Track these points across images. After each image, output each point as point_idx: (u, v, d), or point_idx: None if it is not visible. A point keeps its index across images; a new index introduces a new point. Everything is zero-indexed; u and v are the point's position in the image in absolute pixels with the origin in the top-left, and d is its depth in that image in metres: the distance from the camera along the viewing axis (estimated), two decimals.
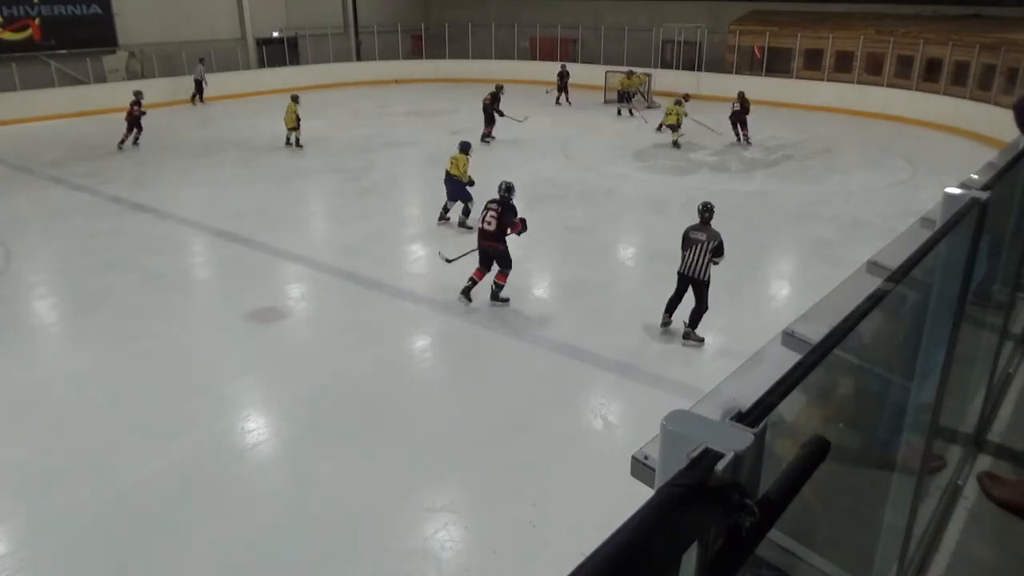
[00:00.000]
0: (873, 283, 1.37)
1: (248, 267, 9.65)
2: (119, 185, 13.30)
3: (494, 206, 8.20)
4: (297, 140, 16.42)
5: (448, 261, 8.87)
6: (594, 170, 14.68)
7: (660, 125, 17.70)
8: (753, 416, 0.84)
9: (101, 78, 21.59)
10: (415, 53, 28.46)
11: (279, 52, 25.70)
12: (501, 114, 16.67)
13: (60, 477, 5.38)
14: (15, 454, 5.66)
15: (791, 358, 1.09)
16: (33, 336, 7.90)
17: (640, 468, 0.90)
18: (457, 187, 10.85)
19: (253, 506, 5.13)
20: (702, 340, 7.44)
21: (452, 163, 10.84)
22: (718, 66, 23.36)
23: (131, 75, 22.20)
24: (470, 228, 10.51)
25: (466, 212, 10.96)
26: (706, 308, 7.34)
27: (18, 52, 20.33)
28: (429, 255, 10.28)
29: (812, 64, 21.74)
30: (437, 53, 27.70)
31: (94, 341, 7.65)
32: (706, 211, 7.43)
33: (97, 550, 4.71)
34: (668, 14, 24.21)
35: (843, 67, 21.28)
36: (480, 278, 8.35)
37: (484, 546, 4.78)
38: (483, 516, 5.04)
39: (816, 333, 1.14)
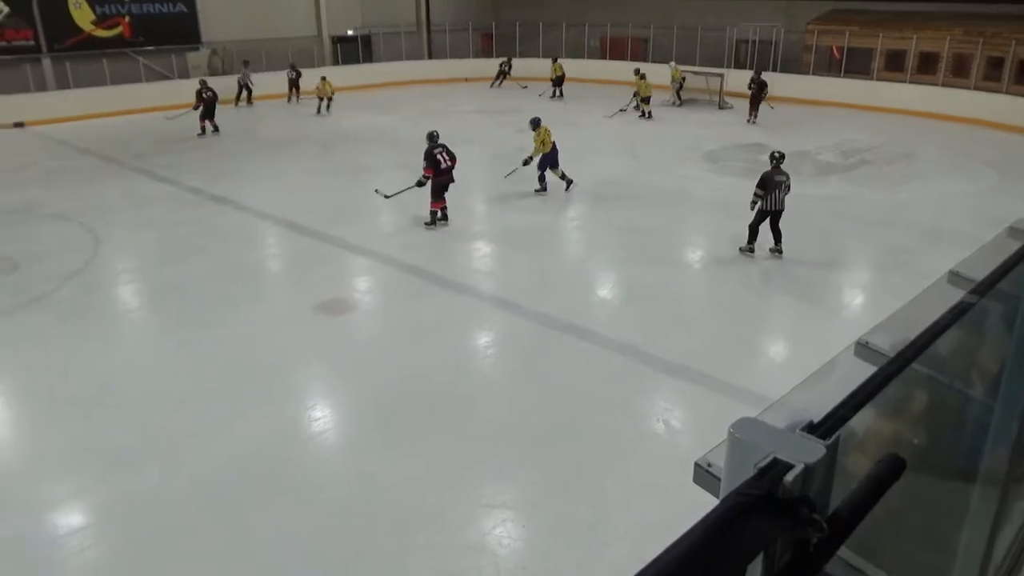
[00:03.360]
0: (954, 295, 1.32)
1: (318, 259, 9.89)
2: (199, 177, 13.80)
3: (444, 152, 10.69)
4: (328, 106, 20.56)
5: (387, 197, 11.40)
6: (662, 171, 14.50)
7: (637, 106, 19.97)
8: (825, 428, 0.82)
9: (185, 73, 22.44)
10: (485, 52, 28.64)
11: (353, 50, 26.22)
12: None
13: (135, 457, 5.62)
14: (95, 434, 5.94)
15: (864, 369, 1.06)
16: (116, 321, 8.28)
17: (703, 475, 0.89)
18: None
19: (317, 493, 5.25)
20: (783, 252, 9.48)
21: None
22: (794, 67, 22.76)
23: (212, 71, 23.02)
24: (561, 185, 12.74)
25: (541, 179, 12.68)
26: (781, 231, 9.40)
27: (109, 49, 21.33)
28: (493, 252, 10.35)
29: (894, 65, 20.96)
30: (507, 52, 27.81)
31: (172, 327, 7.96)
32: (782, 157, 9.28)
33: (167, 528, 4.91)
34: (743, 13, 23.70)
35: (927, 68, 20.44)
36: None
37: (541, 545, 4.78)
38: (540, 515, 5.05)
39: (890, 344, 1.11)
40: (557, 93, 23.23)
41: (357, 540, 4.76)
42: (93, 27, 21.27)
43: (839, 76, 21.64)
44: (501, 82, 25.66)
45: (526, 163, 12.45)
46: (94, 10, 21.14)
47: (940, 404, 1.63)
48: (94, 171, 14.61)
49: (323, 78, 21.02)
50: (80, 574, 4.62)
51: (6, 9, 19.66)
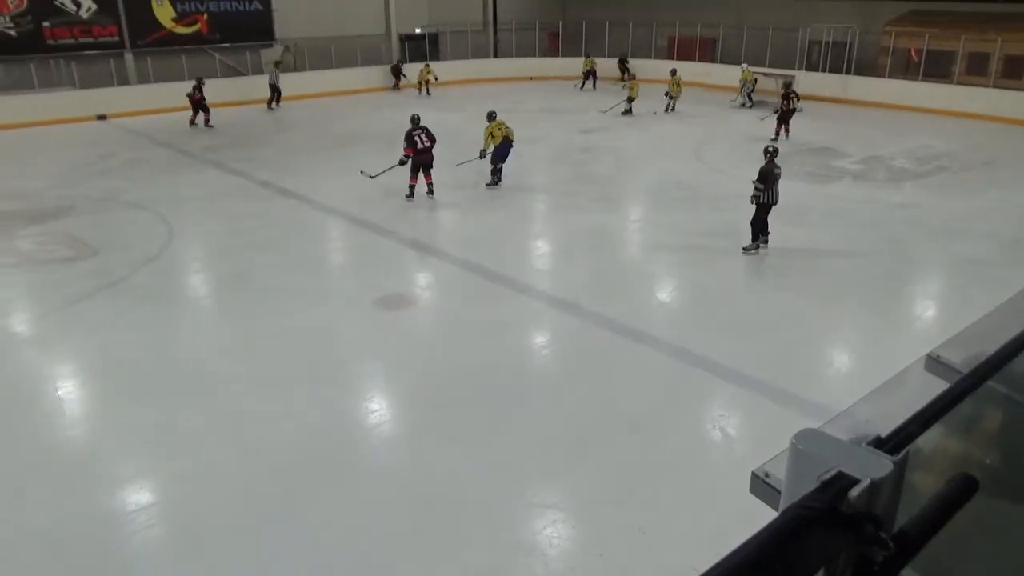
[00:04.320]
0: None
1: (380, 254, 10.05)
2: (269, 171, 14.18)
3: (424, 133, 11.79)
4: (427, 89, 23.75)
5: (372, 177, 12.43)
6: (726, 173, 14.25)
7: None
8: (893, 443, 0.79)
9: (258, 70, 23.10)
10: (551, 51, 28.63)
11: (420, 48, 26.56)
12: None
13: (200, 440, 5.82)
14: (163, 414, 6.16)
15: (935, 384, 1.02)
16: (186, 307, 8.59)
17: (760, 485, 0.88)
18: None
19: (371, 484, 5.35)
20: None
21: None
22: (869, 69, 22.05)
23: (285, 67, 23.58)
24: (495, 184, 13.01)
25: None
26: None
27: (188, 45, 22.11)
28: (553, 251, 10.34)
29: (976, 69, 20.10)
30: (574, 51, 27.73)
31: (239, 316, 8.22)
32: (775, 151, 9.57)
33: (226, 509, 5.07)
34: (817, 13, 23.08)
35: (1013, 72, 19.54)
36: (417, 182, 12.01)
37: (590, 547, 4.76)
38: (591, 517, 5.02)
39: (963, 359, 1.07)
40: (587, 86, 25.05)
41: (408, 531, 4.82)
42: (173, 24, 22.07)
43: (917, 79, 20.88)
44: (593, 83, 25.50)
45: (481, 155, 12.73)
46: (175, 7, 21.95)
47: (1015, 424, 1.56)
48: (170, 163, 15.17)
49: (426, 65, 24.16)
50: (145, 549, 4.81)
51: (94, 6, 20.56)
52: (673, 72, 20.37)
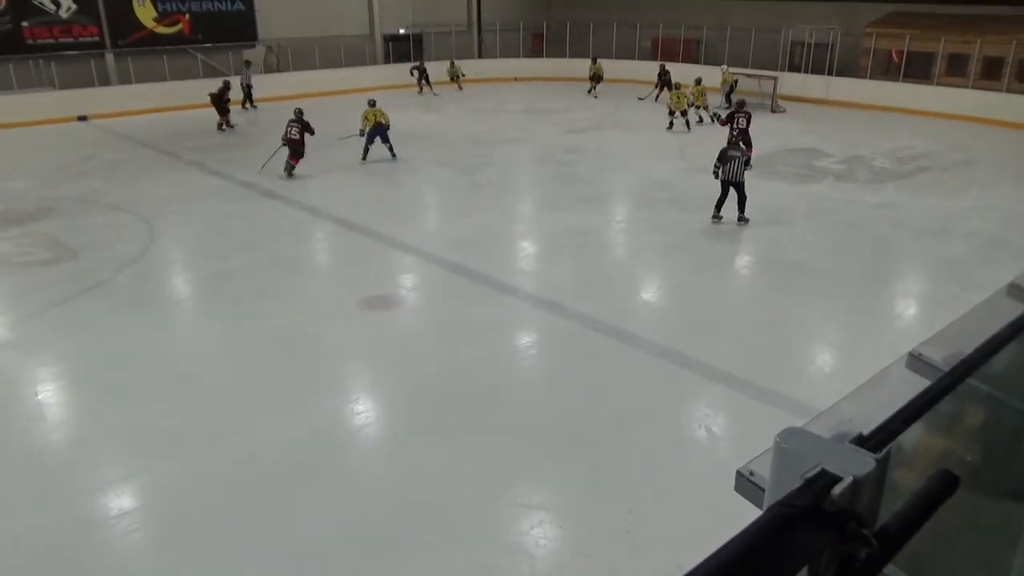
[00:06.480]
0: (1015, 308, 1.28)
1: (364, 255, 10.01)
2: (252, 172, 14.07)
3: (297, 125, 13.68)
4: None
5: (261, 167, 14.24)
6: (710, 174, 14.28)
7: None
8: (875, 441, 0.80)
9: (240, 70, 22.91)
10: (535, 51, 28.66)
11: (404, 48, 26.49)
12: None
13: (183, 441, 5.77)
14: (145, 416, 6.11)
15: (916, 382, 1.03)
16: (168, 309, 8.52)
17: (744, 484, 0.88)
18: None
19: (357, 485, 5.33)
20: (748, 219, 10.89)
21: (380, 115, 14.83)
22: (851, 70, 22.25)
23: (268, 68, 23.43)
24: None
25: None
26: (745, 197, 10.78)
27: (170, 45, 21.92)
28: (538, 252, 10.35)
29: (955, 70, 20.32)
30: (558, 52, 27.77)
31: (221, 317, 8.16)
32: (739, 134, 11.88)
33: (209, 512, 5.03)
34: (798, 15, 23.24)
35: (991, 74, 19.77)
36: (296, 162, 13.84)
37: (577, 547, 4.77)
38: (578, 517, 5.03)
39: (944, 357, 1.08)
40: (593, 88, 24.39)
41: (395, 533, 4.80)
42: (155, 24, 21.89)
43: (898, 81, 21.08)
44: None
45: (361, 134, 14.80)
46: (156, 7, 21.77)
47: (995, 421, 1.58)
48: (152, 164, 15.03)
49: (451, 62, 25.37)
50: (128, 555, 4.76)
51: (74, 6, 20.35)
52: (698, 81, 19.11)
